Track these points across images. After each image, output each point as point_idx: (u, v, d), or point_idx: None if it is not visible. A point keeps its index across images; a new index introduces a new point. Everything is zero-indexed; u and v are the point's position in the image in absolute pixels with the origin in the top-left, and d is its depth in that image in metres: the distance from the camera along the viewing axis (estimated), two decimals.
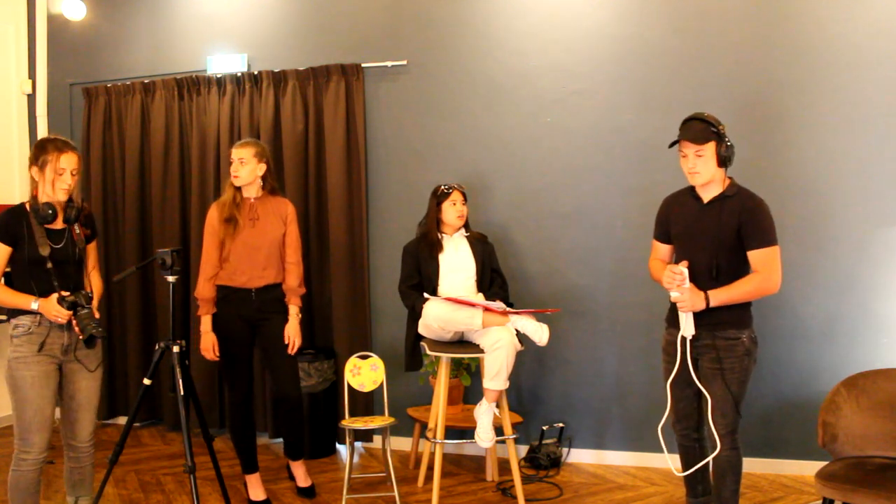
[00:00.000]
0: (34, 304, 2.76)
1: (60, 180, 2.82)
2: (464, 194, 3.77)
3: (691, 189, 2.95)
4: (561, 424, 4.18)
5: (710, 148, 2.80)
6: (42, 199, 2.84)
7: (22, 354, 2.77)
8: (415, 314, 3.62)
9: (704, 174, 2.83)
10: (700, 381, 2.85)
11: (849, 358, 3.74)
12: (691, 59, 3.94)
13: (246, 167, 3.47)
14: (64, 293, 2.77)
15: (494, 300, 3.57)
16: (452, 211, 3.70)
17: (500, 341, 3.33)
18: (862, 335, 3.77)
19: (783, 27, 3.82)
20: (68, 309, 2.75)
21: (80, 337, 2.79)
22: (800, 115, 3.81)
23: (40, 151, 2.83)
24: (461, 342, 3.59)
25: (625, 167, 4.05)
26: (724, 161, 2.82)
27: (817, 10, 3.77)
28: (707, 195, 2.89)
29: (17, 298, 2.78)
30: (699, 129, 2.82)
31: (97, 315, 2.85)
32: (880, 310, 3.75)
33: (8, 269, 2.87)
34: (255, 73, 4.50)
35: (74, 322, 2.78)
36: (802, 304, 3.81)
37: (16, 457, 2.80)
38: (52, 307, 2.74)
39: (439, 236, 3.73)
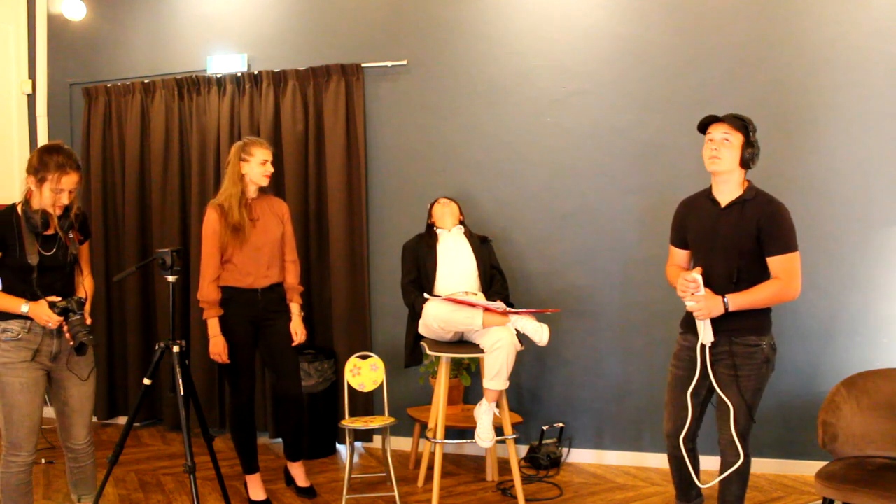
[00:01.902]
0: (24, 307, 2.72)
1: (57, 199, 2.77)
2: (451, 199, 3.93)
3: (707, 192, 2.88)
4: (561, 424, 4.18)
5: (738, 138, 2.72)
6: (35, 205, 2.78)
7: (10, 360, 2.74)
8: (415, 312, 3.63)
9: (725, 162, 2.73)
10: (718, 389, 2.78)
11: (849, 358, 3.74)
12: (691, 59, 3.94)
13: (271, 167, 3.50)
14: (54, 299, 2.74)
15: (495, 300, 3.57)
16: (437, 207, 3.89)
17: (500, 341, 3.33)
18: (862, 335, 3.77)
19: (783, 27, 3.82)
20: (59, 315, 2.72)
21: (71, 344, 2.76)
22: (800, 115, 3.81)
23: (41, 166, 2.74)
24: (461, 342, 3.59)
25: (625, 167, 4.05)
26: (746, 161, 2.74)
27: (818, 10, 3.77)
28: (725, 198, 2.80)
29: (6, 301, 2.74)
30: (734, 117, 2.75)
31: (89, 321, 2.82)
32: (880, 310, 3.75)
33: None
34: (255, 73, 4.50)
35: (66, 328, 2.75)
36: (802, 304, 3.79)
37: (4, 459, 2.80)
38: (43, 312, 2.72)
39: (435, 231, 3.82)
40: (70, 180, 2.77)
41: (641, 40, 4.01)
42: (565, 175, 4.15)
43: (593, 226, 4.12)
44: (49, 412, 2.95)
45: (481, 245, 3.80)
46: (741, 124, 2.75)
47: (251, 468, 3.58)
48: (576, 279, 4.14)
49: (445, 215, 3.85)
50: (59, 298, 2.76)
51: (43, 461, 4.01)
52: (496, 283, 3.75)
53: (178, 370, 3.01)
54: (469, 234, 3.83)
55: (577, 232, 4.14)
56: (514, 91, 4.20)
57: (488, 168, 4.26)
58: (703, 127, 2.84)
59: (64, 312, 2.73)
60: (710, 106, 3.17)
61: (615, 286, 4.08)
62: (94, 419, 4.82)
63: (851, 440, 2.95)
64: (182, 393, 2.99)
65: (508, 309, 3.49)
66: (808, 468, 3.70)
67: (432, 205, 3.94)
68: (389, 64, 4.35)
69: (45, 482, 3.81)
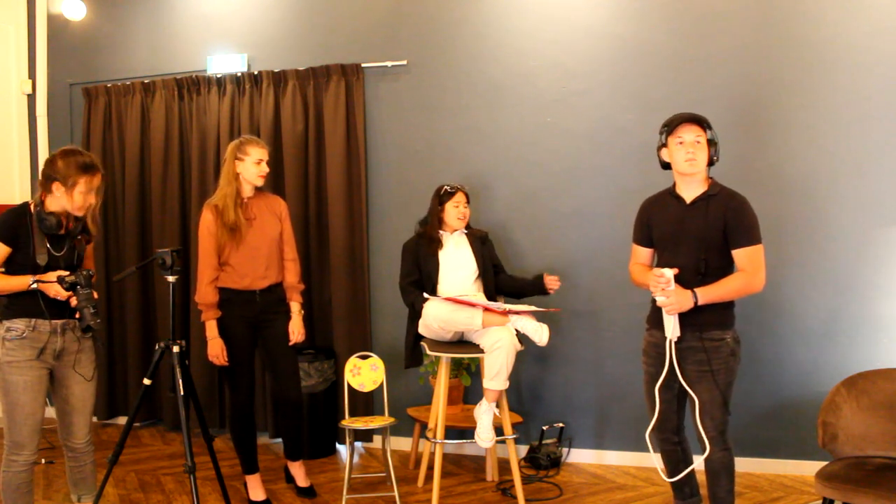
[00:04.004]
0: (34, 284, 2.74)
1: (87, 198, 2.82)
2: (467, 196, 3.78)
3: (670, 191, 2.94)
4: (561, 424, 4.18)
5: (704, 139, 2.80)
6: (52, 208, 2.80)
7: (15, 359, 2.76)
8: (414, 312, 3.62)
9: (700, 164, 2.79)
10: (685, 384, 2.81)
11: (849, 358, 3.74)
12: (691, 59, 3.94)
13: (266, 167, 3.49)
14: (63, 273, 2.76)
15: (497, 300, 3.57)
16: (454, 212, 3.72)
17: (500, 341, 3.33)
18: (862, 335, 3.77)
19: (782, 27, 3.82)
20: (68, 289, 2.74)
21: (76, 317, 2.79)
22: (799, 115, 3.81)
23: (70, 172, 2.76)
24: (461, 342, 3.59)
25: (625, 167, 4.05)
26: (711, 159, 2.82)
27: (817, 10, 3.77)
28: (690, 195, 2.86)
29: (14, 281, 2.76)
30: (701, 117, 2.81)
31: (96, 295, 2.81)
32: (880, 310, 3.75)
33: (2, 269, 2.84)
34: (255, 73, 4.50)
35: (73, 301, 2.76)
36: (802, 304, 3.81)
37: (6, 458, 2.81)
38: (52, 286, 2.74)
39: (439, 234, 3.74)
40: (98, 179, 2.84)
41: (641, 40, 4.01)
42: (565, 175, 4.15)
43: (593, 226, 4.12)
44: (49, 412, 2.96)
45: (481, 244, 3.78)
46: (707, 124, 2.82)
47: (251, 468, 3.58)
48: (576, 279, 4.14)
49: (455, 218, 3.72)
50: (68, 273, 2.78)
51: (43, 461, 4.00)
52: (502, 278, 3.75)
53: (178, 370, 3.01)
54: (469, 235, 3.80)
55: (577, 232, 4.14)
56: (514, 91, 4.20)
57: (488, 168, 4.25)
58: (668, 128, 2.87)
59: (73, 287, 2.75)
60: (709, 106, 3.17)
61: (615, 286, 4.07)
62: (94, 419, 4.86)
63: (851, 440, 2.95)
64: (182, 393, 2.99)
65: (508, 308, 3.49)
66: (808, 468, 3.70)
67: (447, 199, 3.73)
68: (389, 64, 4.35)
69: (45, 482, 3.81)
